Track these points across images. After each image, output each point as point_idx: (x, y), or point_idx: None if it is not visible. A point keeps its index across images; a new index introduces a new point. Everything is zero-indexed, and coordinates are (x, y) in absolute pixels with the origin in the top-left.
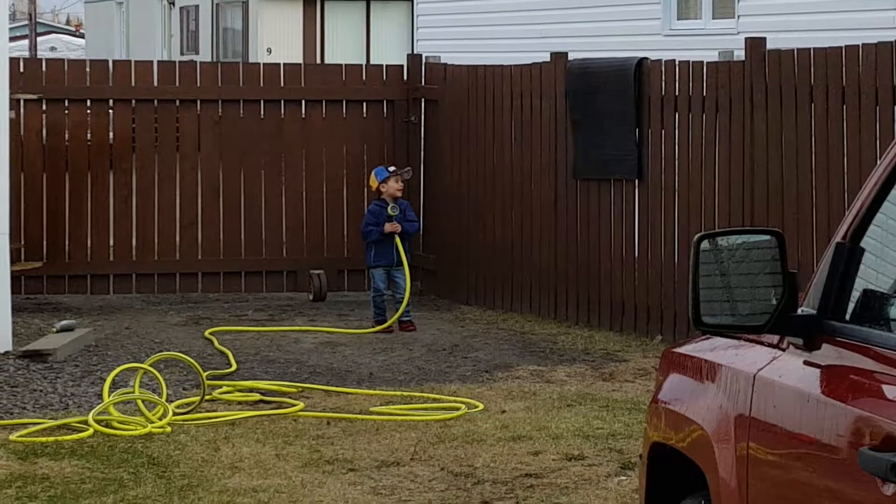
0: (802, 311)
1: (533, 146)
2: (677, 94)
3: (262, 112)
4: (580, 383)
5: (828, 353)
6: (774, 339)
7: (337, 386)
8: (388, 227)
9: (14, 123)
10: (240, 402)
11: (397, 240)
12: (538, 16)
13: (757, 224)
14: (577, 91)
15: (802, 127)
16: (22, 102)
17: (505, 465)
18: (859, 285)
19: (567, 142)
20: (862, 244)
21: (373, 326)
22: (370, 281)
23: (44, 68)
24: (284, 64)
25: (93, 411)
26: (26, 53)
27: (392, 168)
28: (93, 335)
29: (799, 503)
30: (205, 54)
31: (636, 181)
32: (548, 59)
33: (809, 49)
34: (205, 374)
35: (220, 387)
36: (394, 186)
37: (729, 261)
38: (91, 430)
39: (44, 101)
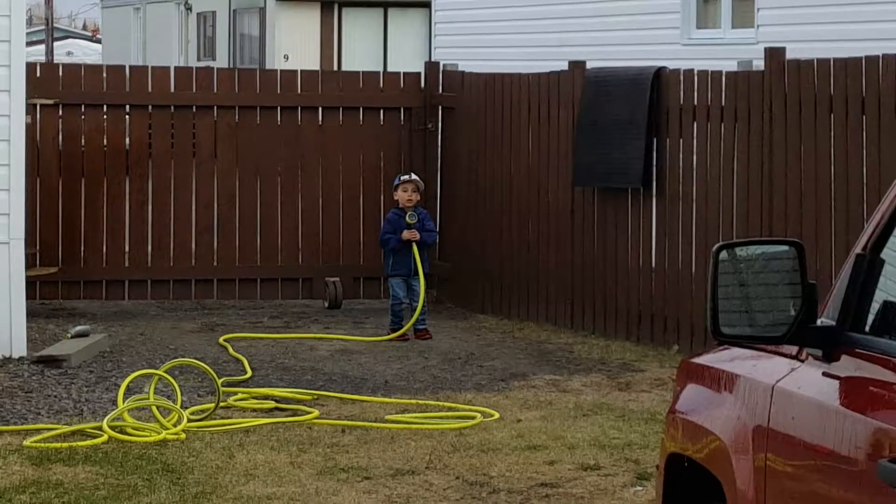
0: (821, 322)
1: (550, 155)
2: (696, 103)
3: (279, 119)
4: (596, 393)
5: (847, 365)
6: (793, 350)
7: (352, 394)
8: (405, 234)
9: (30, 128)
10: (255, 410)
11: (415, 248)
12: (556, 24)
13: (776, 235)
14: (592, 98)
15: (822, 137)
16: (38, 107)
17: (520, 475)
18: (879, 297)
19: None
20: (882, 255)
21: (388, 334)
22: (387, 289)
23: (60, 73)
24: (301, 71)
25: (107, 417)
26: (43, 58)
27: (405, 177)
28: (107, 341)
29: None
30: (222, 60)
31: (653, 190)
32: (566, 68)
33: (829, 59)
34: (220, 381)
35: (235, 394)
36: (401, 196)
37: (748, 271)
38: (105, 437)
39: (60, 107)
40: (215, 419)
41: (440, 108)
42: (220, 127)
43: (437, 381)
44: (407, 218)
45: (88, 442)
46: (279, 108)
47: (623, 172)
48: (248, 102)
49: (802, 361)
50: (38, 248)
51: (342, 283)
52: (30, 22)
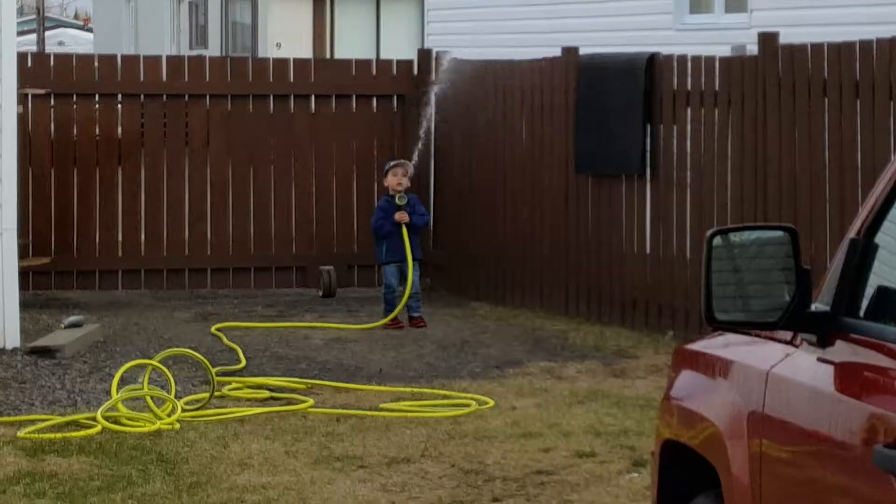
0: (816, 307)
1: (544, 141)
2: (689, 89)
3: (271, 107)
4: (591, 380)
5: (841, 350)
6: (788, 335)
7: (346, 382)
8: (396, 216)
9: (22, 118)
10: (249, 399)
11: (405, 232)
12: (549, 10)
13: (770, 220)
14: (587, 86)
15: (815, 122)
16: (30, 97)
17: (516, 462)
18: (873, 281)
19: (577, 136)
20: (876, 240)
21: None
22: (381, 277)
23: (52, 63)
24: (294, 59)
25: (101, 408)
26: (34, 48)
27: (393, 162)
28: (101, 331)
29: (812, 501)
30: (214, 49)
31: (647, 176)
32: (559, 54)
33: (823, 44)
34: (214, 371)
35: (230, 383)
36: (391, 181)
37: (742, 257)
38: (99, 427)
39: (52, 96)
40: (210, 409)
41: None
42: (212, 116)
43: (432, 368)
44: (397, 200)
45: (82, 432)
46: (272, 97)
47: (624, 159)
48: (241, 91)
49: (797, 347)
50: (30, 238)
51: (336, 271)
52: (21, 11)
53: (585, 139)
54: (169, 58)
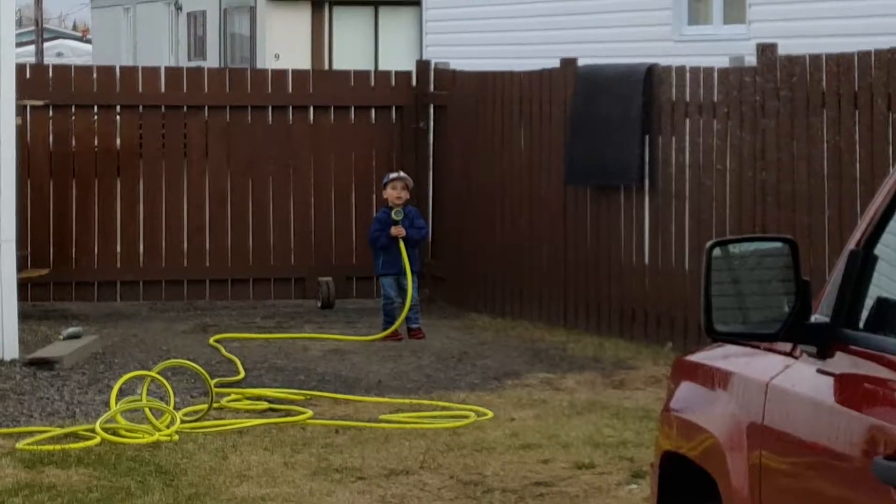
0: (816, 319)
1: (542, 152)
2: (688, 99)
3: (270, 118)
4: (590, 391)
5: (841, 362)
6: (787, 347)
7: (345, 394)
8: (392, 230)
9: (20, 129)
10: (248, 410)
11: (402, 245)
12: (548, 21)
13: (769, 231)
14: (585, 96)
15: (814, 133)
16: (28, 108)
17: (515, 474)
18: (873, 293)
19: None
20: (875, 252)
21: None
22: (379, 288)
23: (50, 74)
24: (292, 70)
25: (100, 419)
26: (33, 59)
27: (393, 175)
28: (100, 343)
29: None
30: (212, 60)
31: (646, 187)
32: (557, 66)
33: (821, 55)
34: (213, 382)
35: (228, 395)
36: (391, 194)
37: (741, 268)
38: (98, 439)
39: (50, 108)
40: (208, 420)
41: (432, 106)
42: (211, 127)
43: (431, 380)
44: (393, 215)
45: (81, 444)
46: (270, 108)
47: (620, 170)
48: (239, 102)
49: (797, 358)
50: (29, 249)
51: (334, 282)
52: (19, 23)
53: (579, 150)
54: (167, 69)
